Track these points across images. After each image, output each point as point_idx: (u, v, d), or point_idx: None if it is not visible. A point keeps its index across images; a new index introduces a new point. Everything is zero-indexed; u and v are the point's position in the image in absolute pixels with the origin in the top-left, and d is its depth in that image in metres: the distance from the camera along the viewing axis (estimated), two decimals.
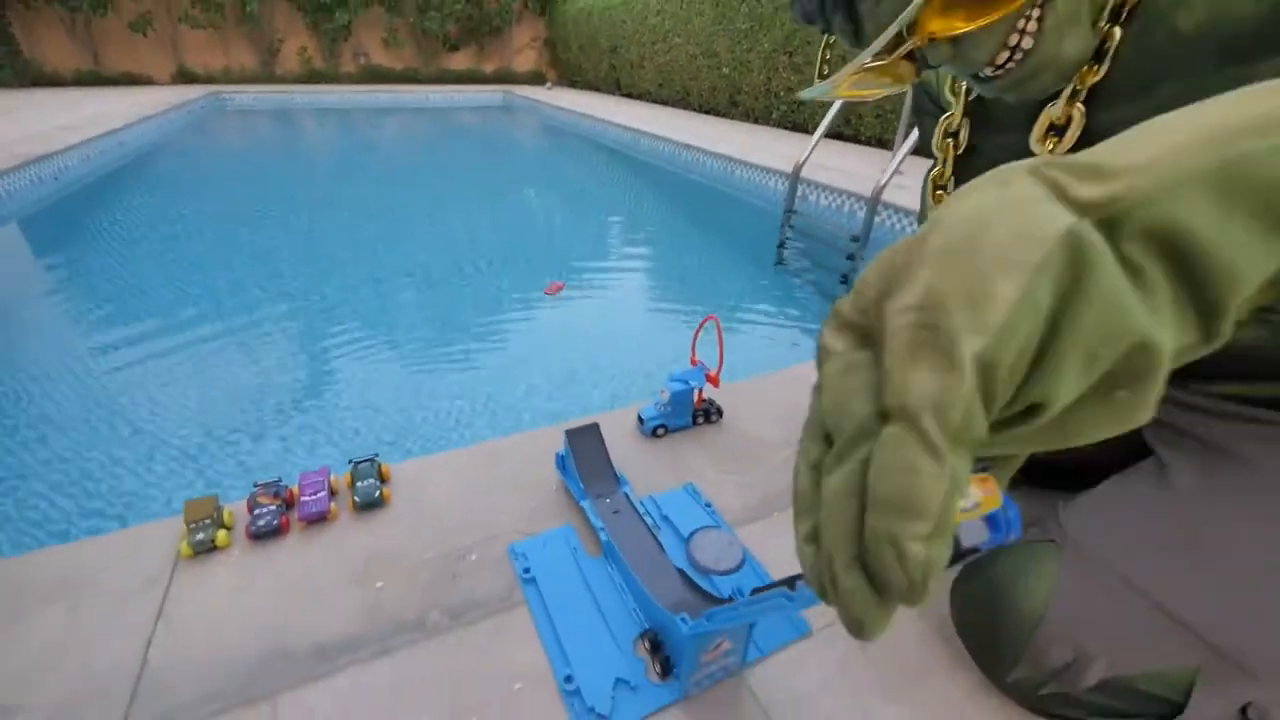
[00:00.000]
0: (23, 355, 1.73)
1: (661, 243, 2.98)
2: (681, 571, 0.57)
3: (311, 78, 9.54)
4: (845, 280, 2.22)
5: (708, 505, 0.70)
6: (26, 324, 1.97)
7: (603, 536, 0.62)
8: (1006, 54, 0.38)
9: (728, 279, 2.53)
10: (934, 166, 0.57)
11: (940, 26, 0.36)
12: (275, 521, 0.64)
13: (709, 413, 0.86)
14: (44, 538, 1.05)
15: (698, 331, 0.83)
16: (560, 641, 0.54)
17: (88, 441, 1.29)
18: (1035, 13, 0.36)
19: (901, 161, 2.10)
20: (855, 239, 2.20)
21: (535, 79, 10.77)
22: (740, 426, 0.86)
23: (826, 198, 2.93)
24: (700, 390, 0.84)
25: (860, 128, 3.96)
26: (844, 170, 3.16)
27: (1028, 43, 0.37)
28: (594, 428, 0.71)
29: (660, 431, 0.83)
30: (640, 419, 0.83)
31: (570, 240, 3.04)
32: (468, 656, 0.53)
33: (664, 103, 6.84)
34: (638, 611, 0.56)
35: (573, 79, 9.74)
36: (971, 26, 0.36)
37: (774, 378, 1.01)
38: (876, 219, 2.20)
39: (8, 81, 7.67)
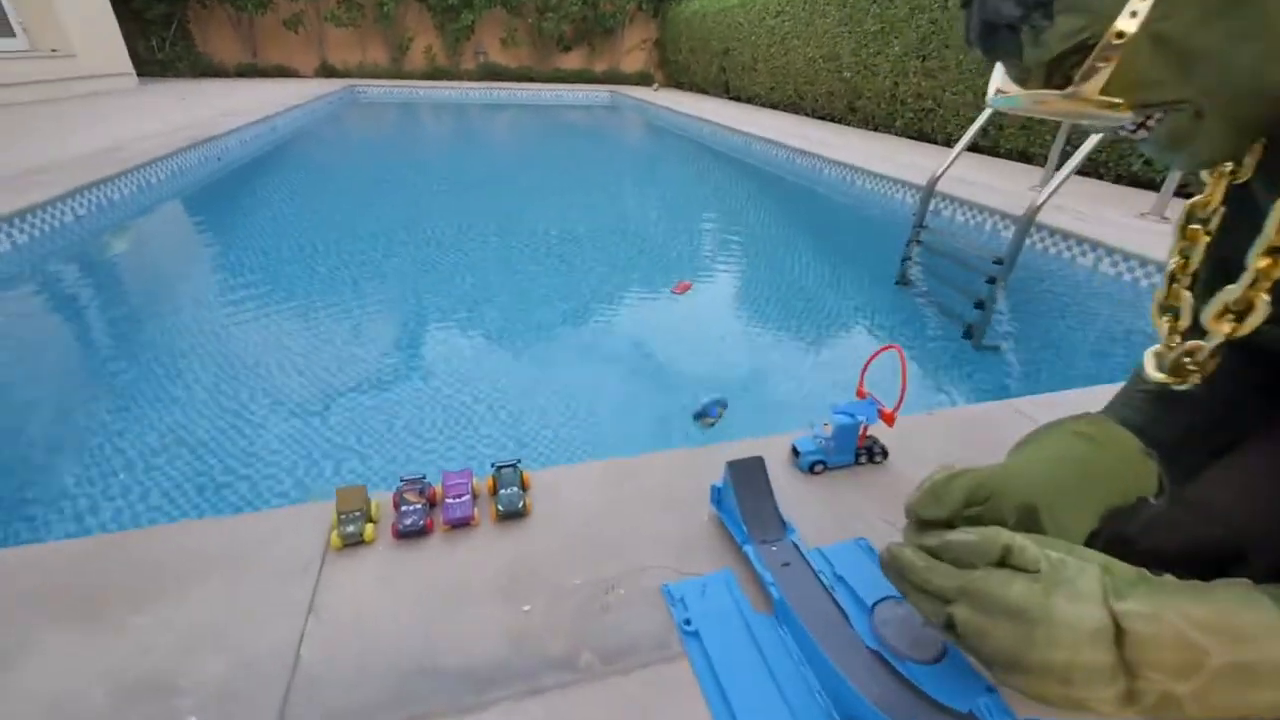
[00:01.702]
0: (174, 323, 1.90)
1: (772, 253, 2.87)
2: (877, 654, 0.48)
3: (435, 74, 10.13)
4: (980, 305, 2.01)
5: None
6: (181, 293, 2.17)
7: (774, 593, 0.54)
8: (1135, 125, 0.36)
9: (843, 294, 2.38)
10: (1201, 195, 0.44)
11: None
12: (421, 522, 0.61)
13: (873, 452, 0.76)
14: (170, 510, 1.10)
15: (869, 361, 0.73)
16: (733, 714, 0.46)
17: (218, 413, 1.38)
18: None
19: (1064, 180, 1.87)
20: (999, 261, 1.99)
21: (642, 80, 10.86)
22: (906, 472, 0.76)
23: (964, 214, 2.69)
24: (866, 426, 0.74)
25: (1000, 140, 3.63)
26: (984, 185, 2.89)
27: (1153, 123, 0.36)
28: (758, 462, 0.63)
29: (818, 469, 0.74)
30: (795, 451, 0.75)
31: (678, 244, 2.99)
32: (626, 712, 0.47)
33: (775, 106, 6.66)
34: (822, 694, 0.48)
35: (679, 80, 9.72)
36: (1083, 108, 0.34)
37: (938, 417, 0.89)
38: (1026, 241, 1.97)
39: (183, 72, 8.69)
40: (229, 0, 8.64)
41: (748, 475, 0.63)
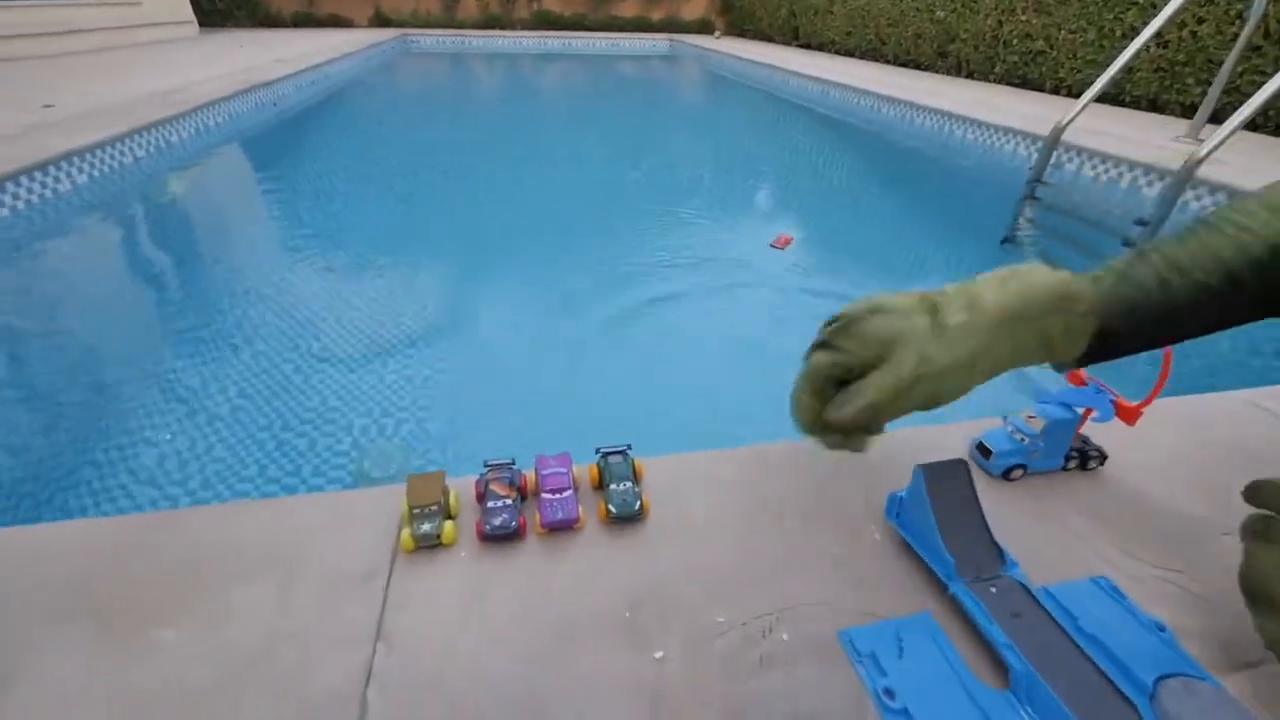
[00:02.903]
0: (228, 270, 1.83)
1: (856, 210, 2.59)
2: None
3: (488, 23, 9.84)
4: None
5: (1159, 627, 0.43)
6: (235, 239, 2.11)
7: (1014, 663, 0.38)
8: None
9: (942, 255, 2.11)
10: None
11: None
12: (513, 522, 0.47)
13: (1087, 455, 0.57)
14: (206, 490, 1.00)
15: None
16: None
17: (270, 365, 1.29)
18: None
19: (1233, 132, 1.55)
20: (1142, 222, 1.70)
21: (702, 28, 10.27)
22: (1131, 481, 0.57)
23: (1097, 168, 2.33)
24: (1084, 422, 0.56)
25: (1127, 85, 3.15)
26: (1116, 136, 2.49)
27: None
28: (960, 468, 0.47)
29: (1016, 474, 0.56)
30: (983, 449, 0.57)
31: (763, 200, 2.75)
32: None
33: (850, 53, 6.12)
34: None
35: (743, 28, 9.12)
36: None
37: (1156, 411, 0.69)
38: (1179, 200, 1.67)
39: (242, 21, 8.72)
40: None
41: (946, 484, 0.46)
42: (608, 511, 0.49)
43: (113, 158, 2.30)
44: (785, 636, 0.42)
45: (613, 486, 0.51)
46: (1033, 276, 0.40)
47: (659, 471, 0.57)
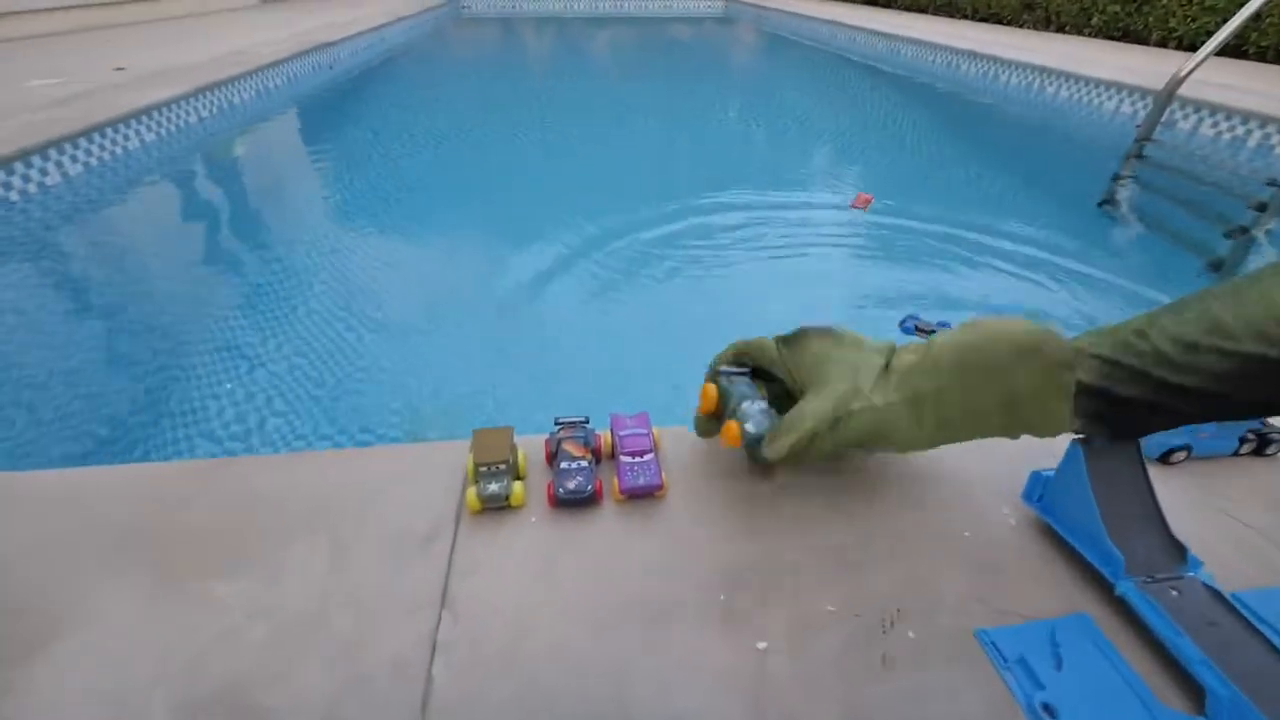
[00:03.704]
0: (287, 231, 1.84)
1: (935, 173, 2.40)
2: None
3: None
4: (1238, 232, 1.53)
5: None
6: (293, 202, 2.12)
7: (1212, 682, 0.30)
8: None
9: (1029, 219, 1.93)
10: None
11: None
12: (589, 487, 0.42)
13: (1267, 439, 0.48)
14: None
15: None
16: None
17: (325, 323, 1.28)
18: None
19: None
20: (1275, 183, 1.49)
21: None
22: None
23: (1217, 125, 2.08)
24: None
25: (1252, 35, 2.78)
26: (1240, 90, 2.21)
27: None
28: (1131, 446, 0.38)
29: (1177, 456, 0.47)
30: None
31: (836, 161, 2.59)
32: None
33: (922, 10, 5.70)
34: None
35: None
36: None
37: None
38: None
39: None
40: None
41: (1110, 464, 0.38)
42: (742, 432, 0.41)
43: (179, 116, 2.35)
44: (911, 634, 0.36)
45: (745, 405, 0.42)
46: (1003, 323, 0.34)
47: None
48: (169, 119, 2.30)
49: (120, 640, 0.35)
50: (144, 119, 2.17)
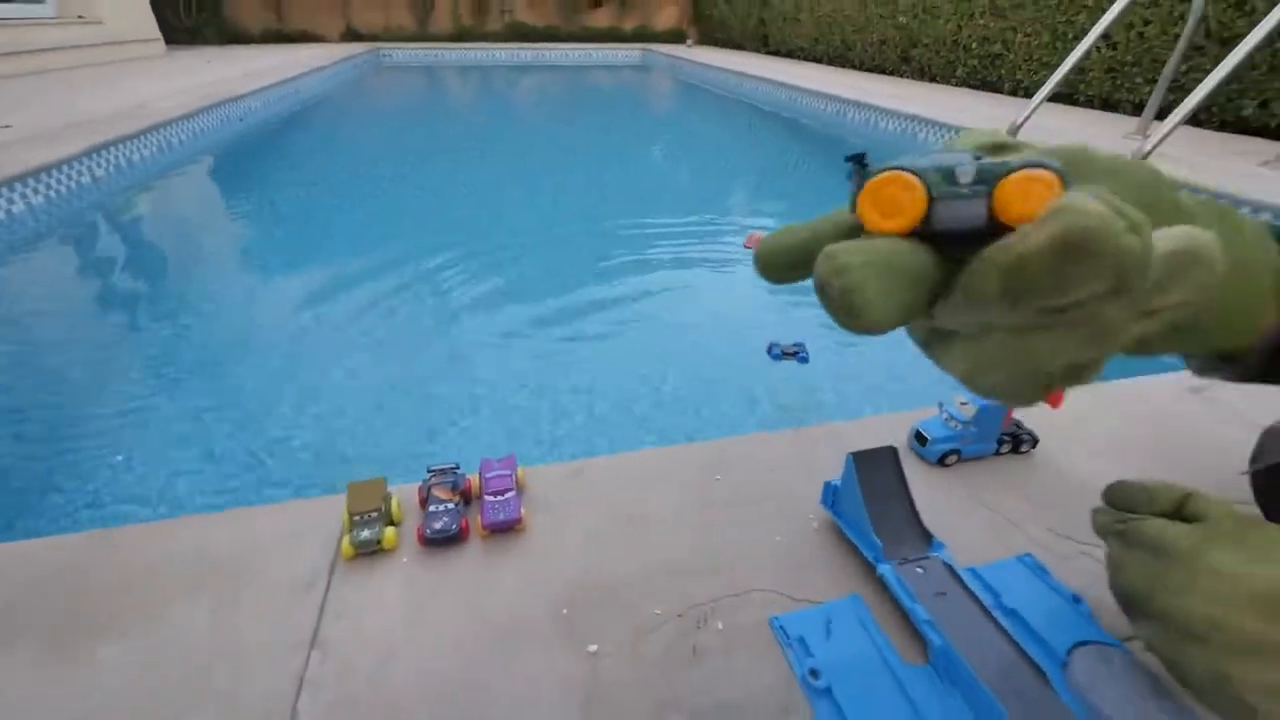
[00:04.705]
0: (191, 290, 1.81)
1: (823, 210, 2.64)
2: None
3: (460, 35, 9.84)
4: None
5: (1075, 599, 0.44)
6: (200, 258, 2.08)
7: (934, 638, 0.39)
8: None
9: None
10: None
11: None
12: (454, 526, 0.48)
13: (1019, 439, 0.59)
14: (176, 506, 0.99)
15: None
16: None
17: (232, 386, 1.27)
18: None
19: (1176, 126, 1.61)
20: None
21: (675, 38, 10.37)
22: (1064, 463, 0.59)
23: None
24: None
25: (1079, 85, 3.26)
26: (1071, 135, 2.59)
27: None
28: (889, 455, 0.48)
29: (951, 460, 0.58)
30: (920, 436, 0.59)
31: (723, 204, 2.78)
32: None
33: (818, 60, 6.24)
34: None
35: (715, 37, 9.24)
36: None
37: (1092, 394, 0.72)
38: None
39: (210, 38, 8.62)
40: None
41: (876, 471, 0.48)
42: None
43: (69, 177, 2.26)
44: (720, 626, 0.43)
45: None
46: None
47: (607, 468, 0.57)
48: (60, 180, 2.20)
49: (8, 709, 0.37)
50: (31, 181, 2.08)
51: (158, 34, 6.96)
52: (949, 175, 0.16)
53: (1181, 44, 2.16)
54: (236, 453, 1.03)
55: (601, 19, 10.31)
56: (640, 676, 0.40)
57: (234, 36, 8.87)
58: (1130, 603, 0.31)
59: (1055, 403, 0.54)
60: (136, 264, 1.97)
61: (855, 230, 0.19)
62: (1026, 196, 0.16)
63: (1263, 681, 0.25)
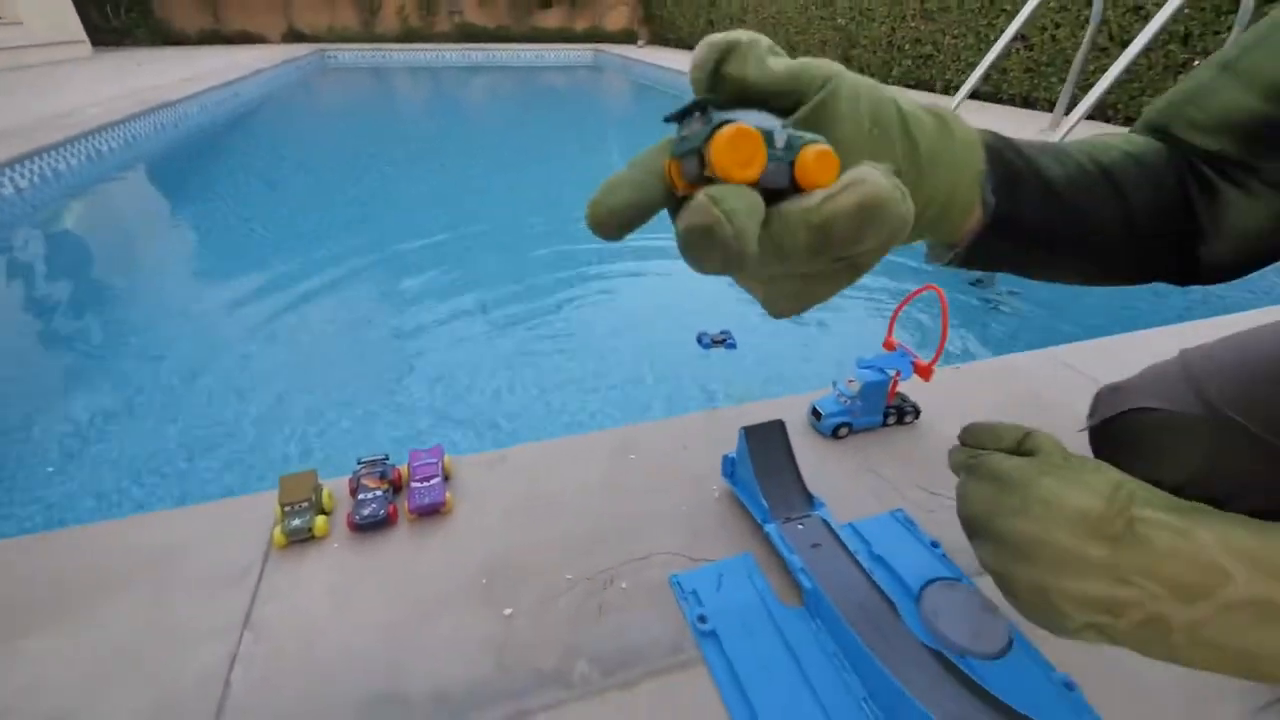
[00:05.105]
0: (123, 297, 1.77)
1: None
2: (934, 651, 0.40)
3: (408, 36, 9.67)
4: None
5: (934, 545, 0.51)
6: (132, 264, 2.03)
7: (805, 582, 0.45)
8: None
9: None
10: None
11: None
12: (382, 511, 0.52)
13: (903, 411, 0.66)
14: (121, 507, 0.99)
15: (900, 307, 0.63)
16: None
17: (178, 394, 1.26)
18: None
19: (1078, 123, 1.75)
20: None
21: (626, 38, 10.43)
22: (942, 431, 0.67)
23: None
24: (895, 382, 0.65)
25: (1003, 84, 3.45)
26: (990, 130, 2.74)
27: None
28: (777, 427, 0.54)
29: (843, 432, 0.64)
30: (815, 412, 0.65)
31: None
32: None
33: None
34: (869, 703, 0.39)
35: (666, 37, 9.34)
36: None
37: (971, 370, 0.80)
38: None
39: (141, 40, 8.23)
40: None
41: (765, 442, 0.54)
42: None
43: None
44: (624, 585, 0.48)
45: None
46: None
47: (525, 456, 0.62)
48: None
49: None
50: None
51: (83, 35, 6.63)
52: (770, 138, 0.19)
53: (1085, 46, 2.33)
54: (175, 459, 1.03)
55: (552, 20, 10.28)
56: (550, 632, 0.44)
57: (167, 38, 8.50)
58: (973, 527, 0.34)
59: (925, 375, 0.61)
60: (65, 276, 1.90)
61: (667, 180, 0.20)
62: (821, 168, 0.19)
63: (1075, 592, 0.28)
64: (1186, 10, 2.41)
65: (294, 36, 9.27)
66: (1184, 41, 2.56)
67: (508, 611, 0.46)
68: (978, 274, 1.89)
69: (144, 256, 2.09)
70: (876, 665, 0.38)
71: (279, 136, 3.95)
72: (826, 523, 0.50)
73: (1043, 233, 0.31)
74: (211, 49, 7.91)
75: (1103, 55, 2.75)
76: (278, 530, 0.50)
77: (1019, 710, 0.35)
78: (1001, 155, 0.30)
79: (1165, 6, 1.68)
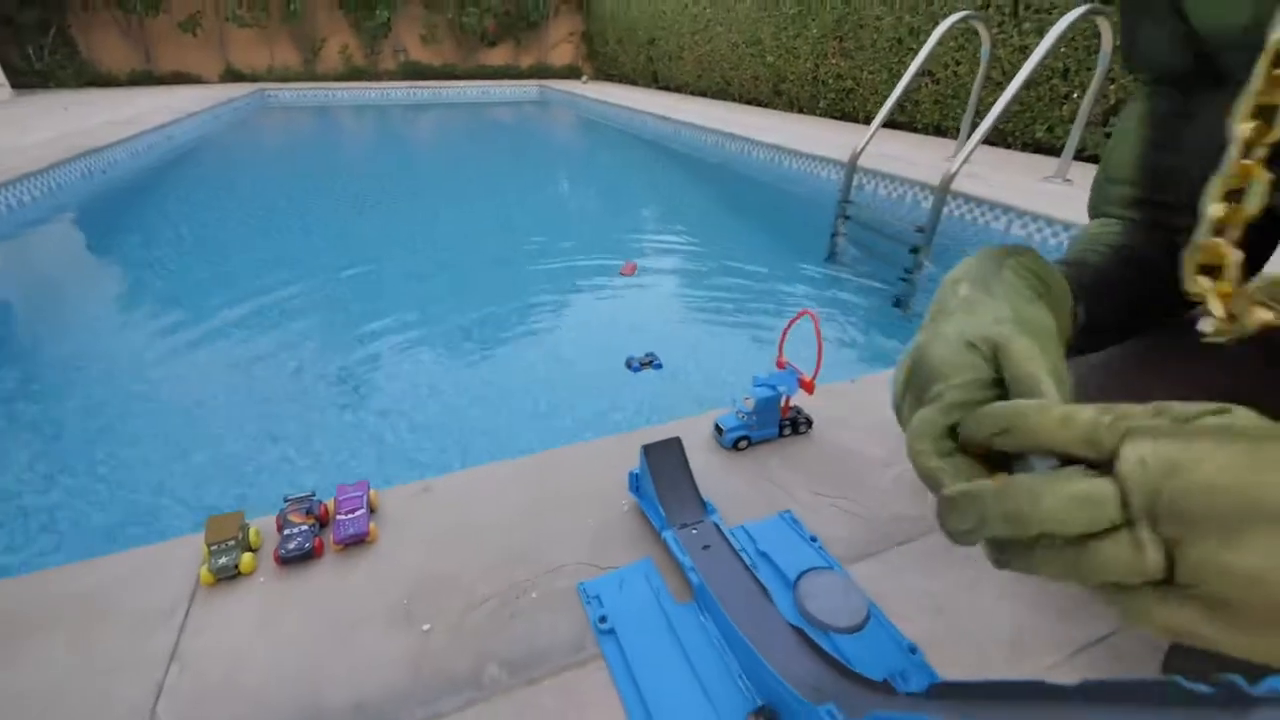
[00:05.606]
0: (55, 349, 1.72)
1: (703, 236, 2.86)
2: (799, 630, 0.46)
3: (352, 75, 9.66)
4: (908, 274, 2.05)
5: (813, 539, 0.58)
6: (62, 316, 1.97)
7: (693, 578, 0.51)
8: None
9: (774, 273, 2.39)
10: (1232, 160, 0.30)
11: None
12: (307, 544, 0.55)
13: (797, 423, 0.74)
14: (58, 552, 0.98)
15: (786, 329, 0.71)
16: (649, 713, 0.43)
17: (111, 443, 1.25)
18: None
19: (973, 149, 1.93)
20: (921, 229, 2.04)
21: (571, 73, 10.70)
22: (833, 439, 0.74)
23: (887, 187, 2.76)
24: (788, 397, 0.72)
25: (916, 115, 3.74)
26: (905, 159, 2.97)
27: None
28: (675, 443, 0.60)
29: (742, 444, 0.71)
30: (718, 429, 0.72)
31: (611, 233, 2.94)
32: None
33: (703, 94, 6.68)
34: (744, 679, 0.45)
35: (609, 73, 9.64)
36: None
37: (862, 384, 0.89)
38: (944, 209, 2.03)
39: (67, 81, 7.96)
40: (115, 2, 7.95)
41: (664, 458, 0.60)
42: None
43: None
44: (535, 595, 0.53)
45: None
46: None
47: (451, 485, 0.66)
48: None
49: None
50: None
51: (2, 79, 6.37)
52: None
53: (979, 80, 2.58)
54: (109, 506, 1.02)
55: (498, 57, 10.47)
56: (464, 641, 0.49)
57: (95, 79, 8.25)
58: (1220, 504, 0.34)
59: (809, 389, 0.69)
60: None
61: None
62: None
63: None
64: (1063, 49, 2.70)
65: (232, 76, 9.14)
66: (1064, 76, 2.86)
67: (426, 627, 0.50)
68: (897, 295, 2.04)
69: (64, 309, 2.03)
70: (746, 644, 0.44)
71: (217, 180, 3.88)
72: (718, 526, 0.56)
73: (1113, 311, 0.41)
74: (145, 90, 7.71)
75: (997, 89, 3.03)
76: (204, 569, 0.53)
77: (856, 670, 0.42)
78: (1078, 281, 0.39)
79: (1038, 47, 1.90)
